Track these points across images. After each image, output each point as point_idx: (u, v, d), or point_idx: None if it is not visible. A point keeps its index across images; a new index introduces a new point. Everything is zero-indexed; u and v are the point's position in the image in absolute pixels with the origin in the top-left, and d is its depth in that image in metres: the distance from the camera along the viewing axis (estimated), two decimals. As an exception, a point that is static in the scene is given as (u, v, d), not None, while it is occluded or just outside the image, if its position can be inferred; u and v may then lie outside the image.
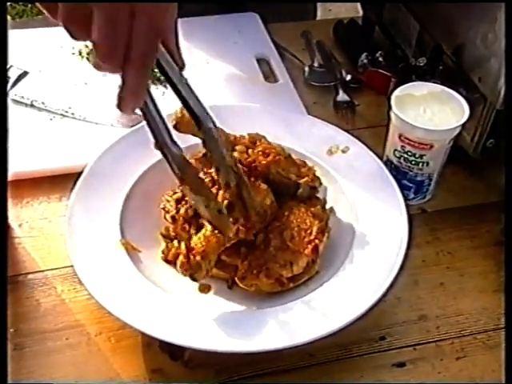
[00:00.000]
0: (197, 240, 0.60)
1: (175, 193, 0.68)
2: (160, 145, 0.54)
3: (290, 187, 0.68)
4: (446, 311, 0.67)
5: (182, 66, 0.53)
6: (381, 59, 0.92)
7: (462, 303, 0.68)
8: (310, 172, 0.68)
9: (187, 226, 0.65)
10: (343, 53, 0.98)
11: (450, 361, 0.63)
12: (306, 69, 0.94)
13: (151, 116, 0.52)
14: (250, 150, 0.68)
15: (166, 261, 0.68)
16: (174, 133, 0.56)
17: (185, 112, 0.66)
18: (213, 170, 0.65)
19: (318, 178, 0.68)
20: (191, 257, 0.58)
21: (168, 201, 0.68)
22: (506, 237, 0.62)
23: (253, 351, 0.58)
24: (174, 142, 0.54)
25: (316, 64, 0.95)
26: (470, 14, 0.74)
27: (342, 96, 0.90)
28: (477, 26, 0.73)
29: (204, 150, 0.65)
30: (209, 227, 0.61)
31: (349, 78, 0.92)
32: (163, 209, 0.67)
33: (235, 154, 0.67)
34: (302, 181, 0.67)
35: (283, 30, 1.02)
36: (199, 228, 0.64)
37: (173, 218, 0.66)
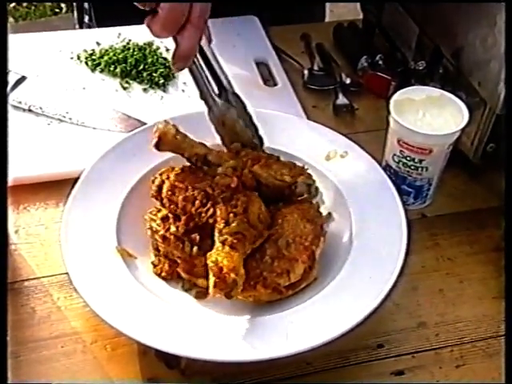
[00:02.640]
0: (220, 259, 0.58)
1: (159, 210, 0.66)
2: (204, 95, 0.65)
3: (284, 189, 0.67)
4: (445, 318, 0.66)
5: (210, 40, 0.65)
6: (380, 62, 0.91)
7: (462, 310, 0.67)
8: (302, 171, 0.67)
9: (181, 244, 0.64)
10: (343, 56, 0.97)
11: (450, 369, 0.62)
12: (306, 72, 0.93)
13: (198, 68, 0.64)
14: (242, 159, 0.68)
15: (161, 277, 0.66)
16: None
17: (169, 127, 0.65)
18: (204, 184, 0.64)
19: (311, 176, 0.67)
20: (226, 275, 0.57)
21: (153, 220, 0.66)
22: (505, 243, 0.61)
23: (250, 360, 0.58)
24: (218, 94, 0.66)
25: (315, 67, 0.94)
26: (469, 17, 0.73)
27: (341, 100, 0.89)
28: (476, 30, 0.72)
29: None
30: (218, 244, 0.60)
31: (348, 81, 0.91)
32: (150, 228, 0.66)
33: (231, 163, 0.66)
34: (298, 179, 0.66)
35: (283, 33, 1.01)
36: (194, 244, 0.63)
37: (163, 237, 0.64)
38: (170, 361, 0.61)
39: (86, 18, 1.11)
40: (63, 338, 0.63)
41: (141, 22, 0.59)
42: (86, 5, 1.11)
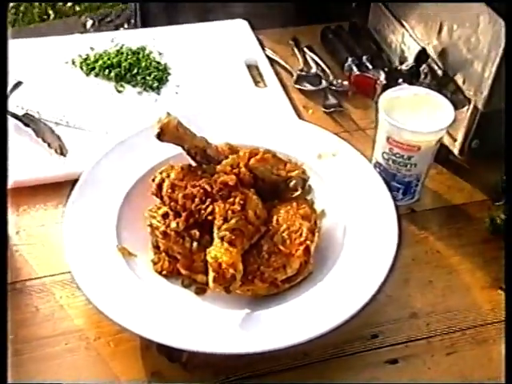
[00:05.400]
0: (219, 255, 0.60)
1: (159, 208, 0.67)
2: None
3: (280, 183, 0.68)
4: (436, 308, 0.68)
5: None
6: (367, 63, 0.92)
7: (451, 300, 0.69)
8: (296, 166, 0.68)
9: (181, 240, 0.65)
10: (331, 58, 0.98)
11: (441, 356, 0.64)
12: (295, 74, 0.94)
13: None
14: (238, 154, 0.69)
15: (161, 274, 0.67)
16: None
17: (171, 117, 0.67)
18: (203, 181, 0.65)
19: (306, 171, 0.69)
20: (225, 271, 0.58)
21: (154, 217, 0.67)
22: (505, 233, 0.63)
23: (249, 352, 0.59)
24: None
25: (305, 69, 0.95)
26: (453, 18, 0.74)
27: (330, 100, 0.91)
28: (460, 31, 0.74)
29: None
30: (217, 240, 0.61)
31: (337, 82, 0.93)
32: (150, 225, 0.67)
33: (230, 160, 0.67)
34: (293, 173, 0.68)
35: (272, 35, 1.02)
36: (194, 240, 0.64)
37: (164, 233, 0.65)
38: (171, 355, 0.62)
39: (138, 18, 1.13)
40: (67, 336, 0.64)
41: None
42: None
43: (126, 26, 2.46)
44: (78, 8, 2.82)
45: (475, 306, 0.68)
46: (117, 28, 2.47)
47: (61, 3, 2.80)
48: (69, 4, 2.80)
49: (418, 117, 0.72)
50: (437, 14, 0.78)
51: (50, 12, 2.77)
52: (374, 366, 0.63)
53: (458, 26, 0.74)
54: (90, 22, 2.59)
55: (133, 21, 1.41)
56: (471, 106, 0.74)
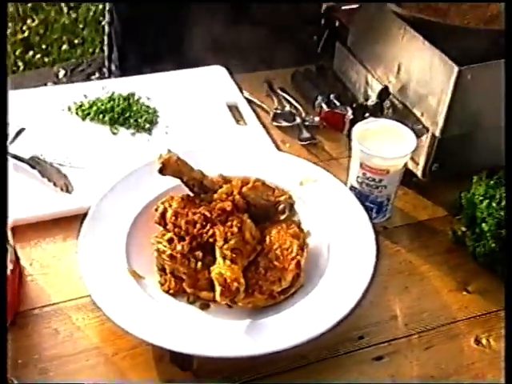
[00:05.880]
0: (223, 271, 0.67)
1: (164, 234, 0.74)
2: None
3: (270, 208, 0.76)
4: (412, 310, 0.76)
5: None
6: (335, 101, 1.02)
7: (425, 303, 0.77)
8: (284, 192, 0.77)
9: (186, 261, 0.72)
10: (302, 97, 1.07)
11: (420, 351, 0.72)
12: (271, 112, 1.03)
13: None
14: (232, 183, 0.77)
15: (168, 293, 0.74)
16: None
17: (172, 154, 0.75)
18: (202, 208, 0.73)
19: (291, 196, 0.77)
20: (230, 285, 0.65)
21: (160, 242, 0.74)
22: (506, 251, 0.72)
23: (253, 355, 0.65)
24: None
25: (279, 108, 1.04)
26: (410, 60, 0.85)
27: (304, 134, 1.00)
28: (416, 71, 0.84)
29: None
30: (219, 259, 0.68)
31: (309, 118, 1.02)
32: (157, 250, 0.74)
33: (224, 189, 0.75)
34: (281, 198, 0.76)
35: (248, 79, 1.11)
36: (198, 260, 0.71)
37: (171, 256, 0.72)
38: (183, 364, 0.68)
39: (113, 67, 1.20)
40: (87, 353, 0.69)
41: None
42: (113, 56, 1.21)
43: (97, 74, 2.53)
44: (46, 59, 2.88)
45: (445, 306, 0.77)
46: (88, 76, 2.54)
47: (30, 55, 2.86)
48: (38, 56, 2.86)
49: (386, 145, 0.81)
50: (395, 57, 0.88)
51: (20, 64, 2.83)
52: (362, 363, 0.71)
53: (413, 67, 0.85)
54: (62, 72, 2.66)
55: (104, 69, 1.49)
56: (429, 134, 0.84)
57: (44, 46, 2.94)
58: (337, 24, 1.03)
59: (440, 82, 0.79)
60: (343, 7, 1.04)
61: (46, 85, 2.44)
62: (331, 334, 0.69)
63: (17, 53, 2.87)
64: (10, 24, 3.03)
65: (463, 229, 0.82)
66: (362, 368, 0.70)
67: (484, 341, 0.73)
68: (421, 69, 0.83)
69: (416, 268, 0.81)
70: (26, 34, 2.98)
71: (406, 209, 0.90)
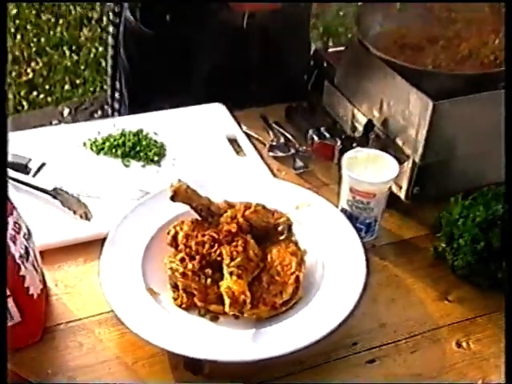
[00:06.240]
0: (231, 286, 0.74)
1: (176, 254, 0.81)
2: None
3: (270, 229, 0.84)
4: (400, 319, 0.83)
5: None
6: (325, 133, 1.10)
7: (410, 312, 0.84)
8: (282, 215, 0.84)
9: (197, 278, 0.79)
10: (295, 130, 1.16)
11: (407, 355, 0.79)
12: (268, 144, 1.12)
13: None
14: (235, 208, 0.84)
15: (181, 307, 0.80)
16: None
17: (182, 183, 0.82)
18: (210, 231, 0.81)
19: (289, 218, 0.85)
20: (237, 297, 0.73)
21: (173, 261, 0.81)
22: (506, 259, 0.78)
23: (259, 359, 0.72)
24: None
25: (275, 140, 1.13)
26: (391, 96, 0.94)
27: (298, 163, 1.08)
28: (396, 106, 0.93)
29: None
30: (227, 275, 0.76)
31: (302, 149, 1.10)
32: (170, 269, 0.81)
33: (229, 213, 0.83)
34: (280, 220, 0.83)
35: (245, 114, 1.20)
36: (208, 277, 0.78)
37: (183, 274, 0.79)
38: (195, 369, 0.75)
39: (116, 105, 1.29)
40: (109, 362, 0.76)
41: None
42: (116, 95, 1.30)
43: (99, 112, 2.63)
44: (49, 99, 2.98)
45: (429, 314, 0.84)
46: (91, 114, 2.63)
47: (34, 95, 2.96)
48: (41, 96, 2.96)
49: (372, 171, 0.89)
50: (377, 94, 0.97)
51: (24, 103, 2.93)
52: (356, 366, 0.78)
53: (394, 102, 0.94)
54: (66, 111, 2.75)
55: (106, 107, 1.57)
56: (410, 161, 0.92)
57: (47, 87, 3.04)
58: (325, 64, 1.12)
59: (418, 115, 0.88)
60: (330, 49, 1.13)
61: (51, 123, 2.53)
62: (328, 341, 0.75)
63: (22, 93, 2.97)
64: (15, 67, 3.14)
65: (443, 245, 0.89)
66: (356, 370, 0.77)
67: (464, 344, 0.80)
68: (400, 104, 0.92)
69: (402, 281, 0.89)
70: (30, 75, 3.08)
71: (392, 228, 0.97)
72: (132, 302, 0.78)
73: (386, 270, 0.90)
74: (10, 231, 0.72)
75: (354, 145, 0.99)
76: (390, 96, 0.95)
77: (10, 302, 0.72)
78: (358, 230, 0.91)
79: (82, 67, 3.12)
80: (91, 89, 2.97)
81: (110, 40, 1.35)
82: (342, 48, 1.09)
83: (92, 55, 3.18)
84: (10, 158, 1.00)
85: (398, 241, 0.96)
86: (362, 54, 0.99)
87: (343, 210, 0.93)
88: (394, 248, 0.94)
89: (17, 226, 0.74)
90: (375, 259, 0.91)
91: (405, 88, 0.90)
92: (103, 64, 2.98)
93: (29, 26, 3.47)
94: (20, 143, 1.05)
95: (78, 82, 3.03)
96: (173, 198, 0.83)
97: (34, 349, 0.77)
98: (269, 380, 0.75)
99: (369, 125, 0.99)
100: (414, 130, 0.90)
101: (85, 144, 1.08)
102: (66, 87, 3.00)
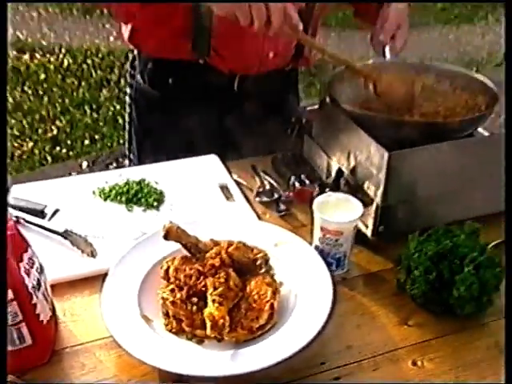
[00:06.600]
0: (212, 312, 0.83)
1: (167, 286, 0.90)
2: None
3: (249, 263, 0.92)
4: (364, 341, 0.90)
5: None
6: (305, 180, 1.20)
7: (374, 336, 0.91)
8: (261, 251, 0.93)
9: (185, 306, 0.87)
10: (279, 177, 1.26)
11: (369, 372, 0.86)
12: (255, 190, 1.22)
13: None
14: (220, 245, 0.94)
15: (171, 332, 0.89)
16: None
17: (173, 224, 0.92)
18: (197, 265, 0.90)
19: (267, 254, 0.93)
20: (218, 321, 0.82)
21: (164, 292, 0.90)
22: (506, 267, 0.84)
23: (236, 374, 0.80)
24: None
25: (261, 187, 1.23)
26: (356, 148, 1.04)
27: (281, 207, 1.17)
28: (361, 155, 1.03)
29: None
30: (210, 303, 0.84)
31: (284, 194, 1.20)
32: (162, 298, 0.89)
33: (214, 250, 0.92)
34: (259, 256, 0.92)
35: (237, 164, 1.30)
36: (194, 305, 0.87)
37: (173, 302, 0.88)
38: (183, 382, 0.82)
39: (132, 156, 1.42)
40: (107, 380, 0.84)
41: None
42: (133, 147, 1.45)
43: (114, 164, 2.77)
44: (71, 153, 3.14)
45: (390, 338, 0.91)
46: (107, 166, 2.77)
47: (57, 150, 3.12)
48: (64, 150, 3.12)
49: (340, 213, 0.98)
50: (345, 145, 1.07)
51: (48, 158, 3.08)
52: (324, 382, 0.84)
53: (359, 153, 1.04)
54: (85, 164, 2.89)
55: (120, 159, 1.69)
56: (374, 203, 1.01)
57: (69, 142, 3.20)
58: (304, 121, 1.23)
59: (377, 163, 0.98)
60: (308, 108, 1.24)
61: (70, 174, 2.67)
62: (299, 360, 0.83)
63: (46, 148, 3.13)
64: (42, 125, 3.32)
65: (403, 277, 0.97)
66: (322, 386, 0.84)
67: (419, 363, 0.87)
68: (364, 154, 1.02)
69: (368, 308, 0.96)
70: (54, 132, 3.25)
71: (361, 263, 1.05)
72: (128, 328, 0.86)
73: (353, 300, 0.98)
74: (25, 265, 0.82)
75: (327, 190, 1.08)
76: (356, 147, 1.05)
77: (23, 327, 0.81)
78: (330, 265, 0.99)
79: (101, 124, 3.30)
80: (108, 143, 3.13)
81: (127, 99, 1.49)
82: (317, 106, 1.20)
83: (110, 113, 3.36)
84: (28, 205, 1.11)
85: (366, 274, 1.03)
86: (333, 110, 1.09)
87: (316, 247, 1.01)
88: (362, 280, 1.02)
89: (31, 261, 0.83)
90: (345, 290, 0.99)
91: (366, 140, 1.00)
92: (120, 121, 3.15)
93: (55, 89, 3.68)
94: (38, 192, 1.16)
95: (96, 137, 3.20)
96: (165, 237, 0.93)
97: (44, 369, 0.85)
98: (247, 395, 0.82)
99: (339, 172, 1.09)
100: (376, 176, 0.99)
101: (94, 192, 1.18)
102: (86, 142, 3.17)
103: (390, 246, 1.05)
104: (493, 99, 1.07)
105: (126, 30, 1.34)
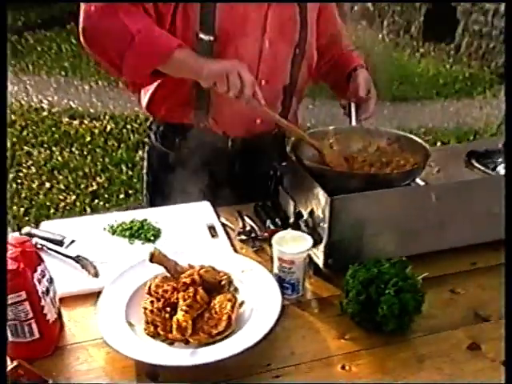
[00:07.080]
0: (179, 317, 1.00)
1: (148, 299, 1.07)
2: None
3: (216, 284, 1.09)
4: (305, 350, 1.04)
5: None
6: (278, 222, 1.37)
7: (314, 346, 1.05)
8: (226, 274, 1.10)
9: (160, 314, 1.05)
10: (259, 220, 1.43)
11: (306, 373, 1.00)
12: (236, 230, 1.39)
13: None
14: (194, 268, 1.11)
15: (149, 335, 1.05)
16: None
17: (156, 249, 1.10)
18: (172, 283, 1.07)
19: (231, 276, 1.10)
20: (181, 325, 0.99)
21: (146, 303, 1.07)
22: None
23: (196, 364, 0.95)
24: None
25: (242, 227, 1.40)
26: (311, 203, 1.21)
27: (256, 244, 1.35)
28: (313, 202, 1.20)
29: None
30: (179, 311, 1.01)
31: (260, 234, 1.37)
32: (144, 308, 1.07)
33: (189, 272, 1.09)
34: (224, 278, 1.09)
35: (225, 210, 1.49)
36: (167, 313, 1.04)
37: (151, 311, 1.05)
38: (153, 376, 0.98)
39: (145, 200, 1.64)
40: (98, 372, 1.00)
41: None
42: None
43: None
44: (107, 205, 3.39)
45: (327, 348, 1.05)
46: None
47: (95, 202, 3.38)
48: (101, 203, 3.38)
49: (293, 246, 1.15)
50: (304, 193, 1.25)
51: (88, 209, 3.34)
52: (267, 379, 0.99)
53: (313, 199, 1.21)
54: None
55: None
56: (324, 240, 1.17)
57: (106, 196, 3.47)
58: (278, 174, 1.42)
59: (323, 206, 1.15)
60: (283, 163, 1.43)
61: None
62: (249, 362, 0.98)
63: (86, 201, 3.40)
64: (84, 180, 3.61)
65: (345, 300, 1.12)
66: (266, 382, 0.98)
67: (347, 367, 1.00)
68: (316, 200, 1.19)
69: (313, 325, 1.11)
70: (94, 187, 3.53)
71: (315, 290, 1.20)
72: (116, 331, 1.03)
73: (302, 317, 1.13)
74: (38, 275, 1.01)
75: (289, 229, 1.25)
76: (312, 194, 1.22)
77: (33, 323, 0.99)
78: (286, 289, 1.15)
79: (135, 180, 3.56)
80: (140, 198, 3.38)
81: (145, 155, 1.72)
82: (285, 163, 1.39)
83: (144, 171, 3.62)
84: (51, 236, 1.31)
85: (317, 298, 1.18)
86: (294, 165, 1.28)
87: (275, 274, 1.17)
88: (313, 303, 1.17)
89: (43, 272, 1.03)
90: (297, 310, 1.14)
91: (316, 188, 1.18)
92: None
93: (98, 150, 4.00)
94: (61, 227, 1.37)
95: (130, 192, 3.45)
96: (150, 260, 1.11)
97: (48, 359, 1.03)
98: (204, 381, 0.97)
99: (298, 215, 1.26)
100: (323, 217, 1.16)
101: (104, 228, 1.39)
102: (121, 196, 3.43)
103: (340, 276, 1.20)
104: (426, 156, 1.23)
105: (143, 101, 1.59)
